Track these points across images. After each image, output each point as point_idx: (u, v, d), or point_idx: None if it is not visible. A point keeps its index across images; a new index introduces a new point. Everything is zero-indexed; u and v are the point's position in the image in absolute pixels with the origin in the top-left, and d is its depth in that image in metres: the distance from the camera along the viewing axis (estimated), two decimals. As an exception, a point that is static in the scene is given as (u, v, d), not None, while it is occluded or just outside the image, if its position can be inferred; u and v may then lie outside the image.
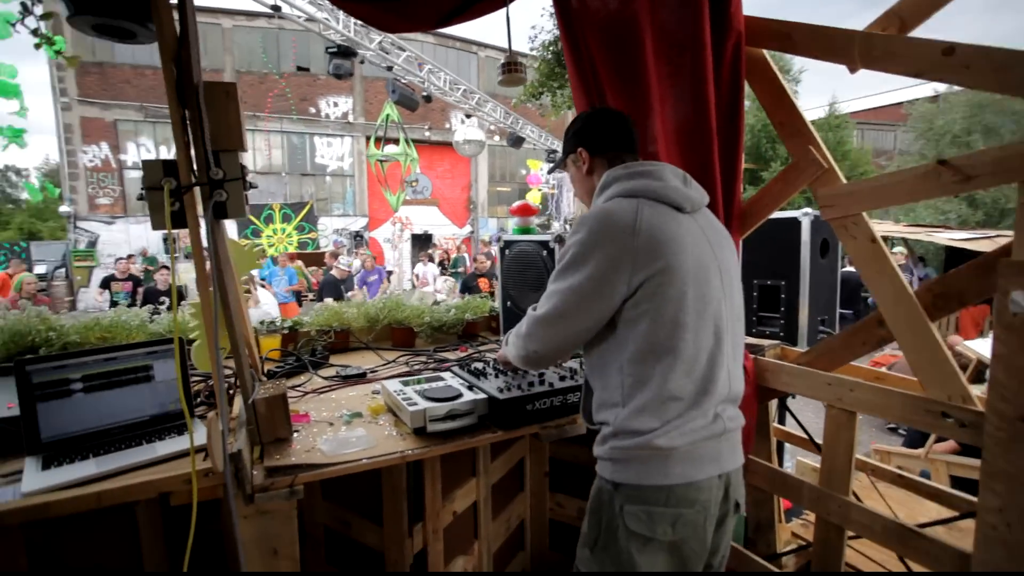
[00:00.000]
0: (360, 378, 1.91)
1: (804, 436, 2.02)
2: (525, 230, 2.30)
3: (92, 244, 15.03)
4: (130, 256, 11.59)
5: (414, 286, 11.45)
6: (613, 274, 1.12)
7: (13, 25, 1.33)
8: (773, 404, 2.08)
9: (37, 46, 1.39)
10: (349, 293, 7.63)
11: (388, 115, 9.21)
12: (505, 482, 2.37)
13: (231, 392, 1.55)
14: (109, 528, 1.43)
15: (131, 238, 15.16)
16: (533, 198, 12.16)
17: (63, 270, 15.05)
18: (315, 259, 13.30)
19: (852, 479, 1.61)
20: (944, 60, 1.33)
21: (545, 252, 2.13)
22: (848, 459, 1.58)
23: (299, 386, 1.80)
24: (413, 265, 14.89)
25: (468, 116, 8.91)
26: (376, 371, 2.00)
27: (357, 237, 16.13)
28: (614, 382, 1.18)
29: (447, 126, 18.04)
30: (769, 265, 2.32)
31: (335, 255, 9.42)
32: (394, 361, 2.12)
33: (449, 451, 1.42)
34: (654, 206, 1.16)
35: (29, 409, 1.24)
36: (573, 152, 1.37)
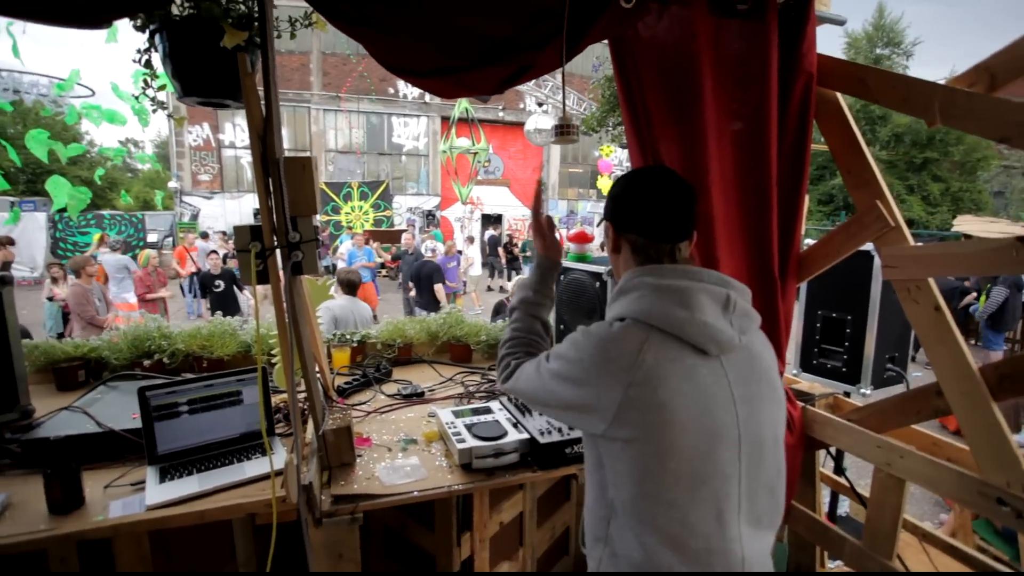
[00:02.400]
0: (418, 397, 2.08)
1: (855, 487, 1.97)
2: (581, 258, 2.35)
3: (194, 217, 16.55)
4: (198, 236, 12.58)
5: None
6: (592, 413, 0.96)
7: (137, 97, 1.56)
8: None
9: (154, 111, 1.62)
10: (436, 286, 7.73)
11: (466, 108, 9.35)
12: (551, 493, 2.49)
13: (305, 413, 1.77)
14: (210, 532, 1.71)
15: (226, 212, 16.54)
16: (604, 185, 11.96)
17: (170, 239, 16.74)
18: (390, 236, 13.90)
19: (898, 542, 1.58)
20: (1033, 127, 1.24)
21: (598, 284, 2.18)
22: (894, 523, 1.55)
23: (364, 403, 2.00)
24: (483, 245, 15.20)
25: (540, 104, 8.87)
26: (433, 390, 2.16)
27: (429, 216, 16.63)
28: (599, 514, 1.04)
29: (521, 106, 17.98)
30: (834, 296, 2.23)
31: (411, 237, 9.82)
32: (451, 379, 2.28)
33: (492, 487, 1.55)
34: (667, 346, 0.94)
35: (148, 427, 1.50)
36: (606, 222, 1.14)
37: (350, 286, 4.21)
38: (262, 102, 1.32)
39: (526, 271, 11.91)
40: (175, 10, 1.30)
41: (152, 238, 16.01)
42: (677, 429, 0.90)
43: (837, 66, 1.71)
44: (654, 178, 1.08)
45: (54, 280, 6.44)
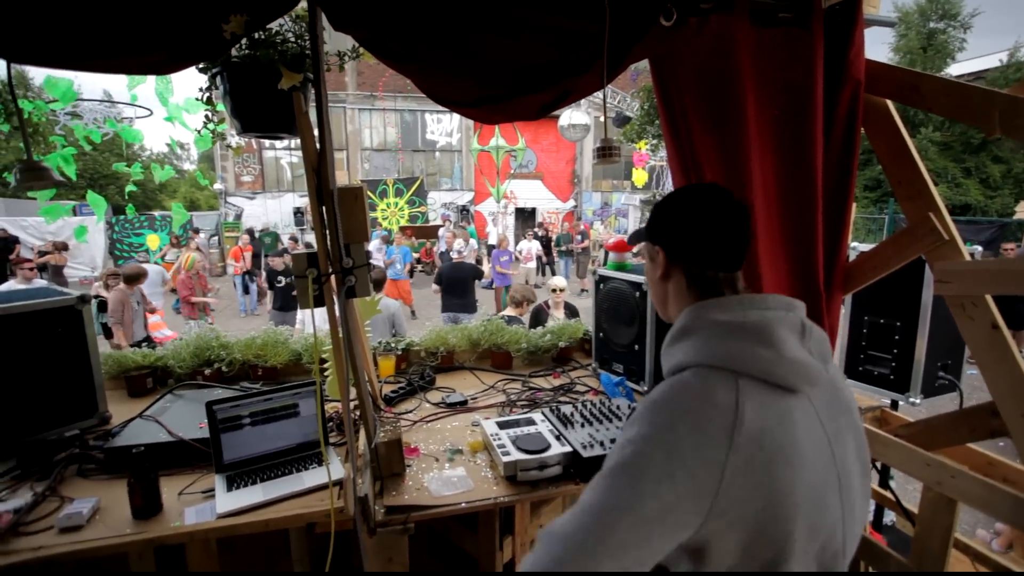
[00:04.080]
0: (462, 405, 2.15)
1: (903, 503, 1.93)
2: (620, 266, 2.36)
3: (238, 217, 17.19)
4: (242, 234, 13.06)
5: (517, 259, 11.80)
6: (679, 510, 0.72)
7: (199, 132, 1.67)
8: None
9: (214, 142, 1.73)
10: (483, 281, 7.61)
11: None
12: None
13: (357, 423, 1.86)
14: (270, 534, 1.82)
15: (267, 211, 17.11)
16: (638, 178, 11.79)
17: (216, 238, 17.45)
18: (427, 232, 14.10)
19: (948, 562, 1.55)
20: (1100, 141, 1.19)
21: (638, 293, 2.20)
22: (944, 545, 1.53)
23: (411, 411, 2.09)
24: (516, 240, 15.26)
25: (573, 98, 8.90)
26: (476, 398, 2.23)
27: (463, 211, 16.77)
28: None
29: (552, 97, 17.83)
30: (882, 302, 2.17)
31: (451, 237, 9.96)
32: (492, 387, 2.34)
33: (535, 499, 1.60)
34: (760, 391, 0.79)
35: (216, 438, 1.62)
36: (649, 243, 1.02)
37: (375, 283, 4.43)
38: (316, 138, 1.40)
39: (561, 265, 11.91)
40: (234, 51, 1.38)
41: (199, 237, 16.75)
42: (799, 482, 0.76)
43: (887, 72, 1.67)
44: (714, 202, 0.94)
45: (107, 287, 6.79)
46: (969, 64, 19.04)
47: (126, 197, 4.83)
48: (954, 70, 17.80)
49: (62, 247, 10.22)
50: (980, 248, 2.09)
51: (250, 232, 13.63)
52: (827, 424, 0.84)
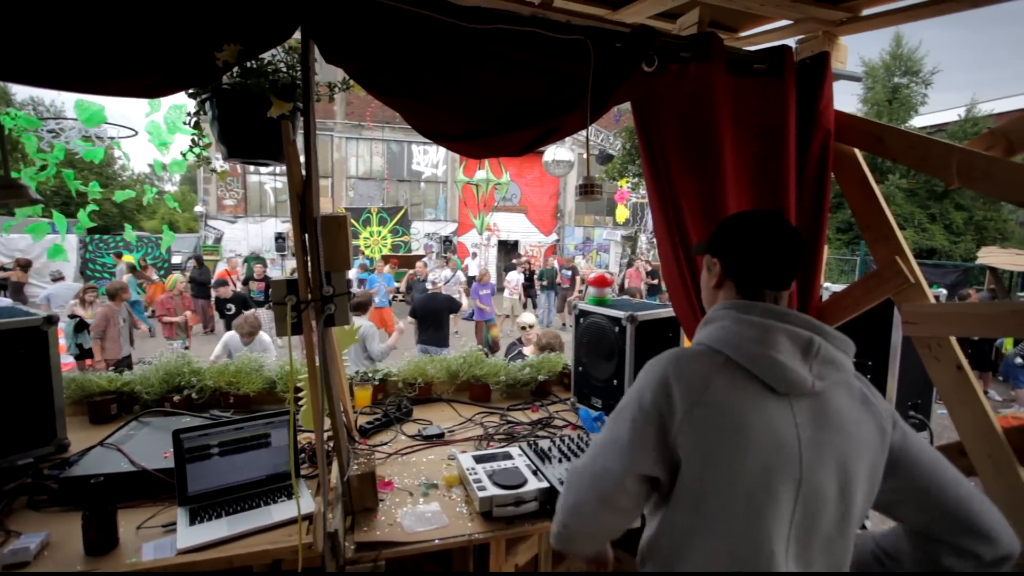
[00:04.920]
0: (439, 438, 2.11)
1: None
2: (600, 301, 2.39)
3: (218, 240, 16.95)
4: (231, 259, 12.91)
5: (502, 290, 11.79)
6: (660, 422, 0.95)
7: (184, 155, 1.66)
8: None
9: (198, 166, 1.72)
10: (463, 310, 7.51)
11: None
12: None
13: (330, 455, 1.80)
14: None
15: (249, 236, 16.92)
16: (620, 214, 12.05)
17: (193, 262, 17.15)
18: (408, 261, 14.08)
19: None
20: (1051, 194, 1.26)
21: (617, 328, 2.21)
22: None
23: (386, 443, 2.04)
24: (500, 272, 15.30)
25: (557, 135, 9.13)
26: (453, 431, 2.19)
27: (446, 242, 16.82)
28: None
29: (537, 134, 18.23)
30: (855, 341, 2.22)
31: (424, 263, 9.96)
32: (470, 419, 2.30)
33: (511, 535, 1.56)
34: (737, 375, 0.95)
35: (181, 468, 1.55)
36: (709, 256, 1.13)
37: (358, 307, 4.42)
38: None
39: (542, 299, 11.94)
40: (225, 78, 1.40)
41: (176, 260, 16.42)
42: (741, 456, 0.90)
43: (855, 123, 1.75)
44: (771, 227, 1.05)
45: (83, 303, 6.62)
46: (932, 117, 20.17)
47: (88, 215, 4.77)
48: (917, 122, 18.84)
49: (24, 264, 9.91)
50: (944, 291, 2.17)
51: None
52: (803, 430, 0.94)
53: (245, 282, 10.00)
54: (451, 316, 6.82)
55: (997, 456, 1.35)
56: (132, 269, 11.32)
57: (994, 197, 1.37)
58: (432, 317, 6.44)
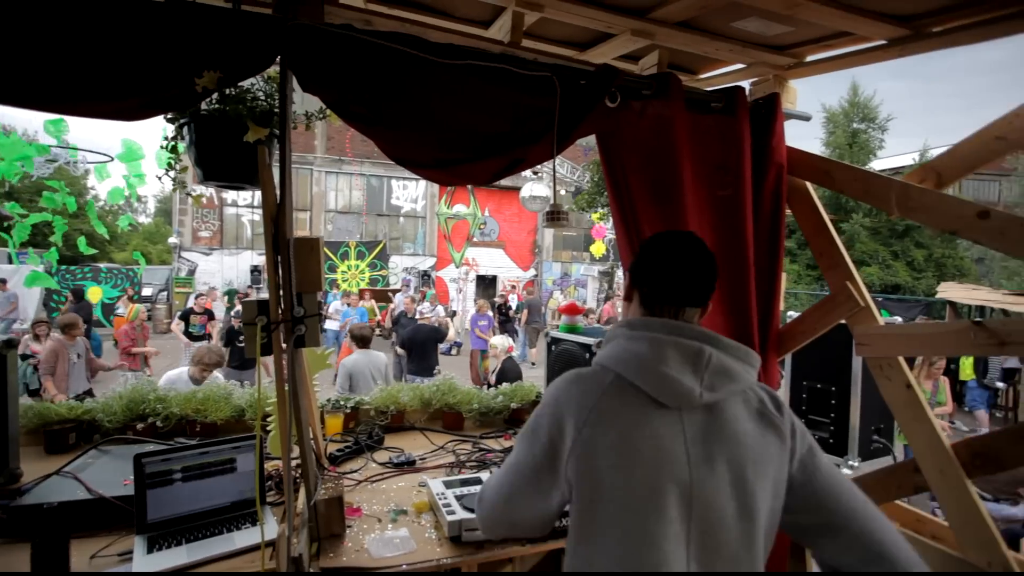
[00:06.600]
0: (410, 466, 2.09)
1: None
2: (571, 328, 2.43)
3: (191, 272, 16.65)
4: (211, 289, 12.68)
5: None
6: (559, 452, 0.96)
7: (160, 178, 1.68)
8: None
9: (175, 189, 1.74)
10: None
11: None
12: (542, 567, 2.43)
13: (297, 482, 1.77)
14: None
15: (224, 268, 16.67)
16: (596, 249, 12.30)
17: (165, 294, 16.74)
18: (387, 296, 14.01)
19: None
20: (979, 222, 1.37)
21: (588, 355, 2.25)
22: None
23: (356, 471, 2.01)
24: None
25: (535, 173, 9.31)
26: (425, 458, 2.17)
27: (425, 276, 16.83)
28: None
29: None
30: (819, 367, 2.29)
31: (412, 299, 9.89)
32: (442, 447, 2.29)
33: (481, 560, 1.54)
34: (625, 392, 0.95)
35: (141, 494, 1.51)
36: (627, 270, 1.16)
37: (363, 340, 4.52)
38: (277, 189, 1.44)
39: (520, 333, 11.96)
40: (203, 104, 1.44)
41: (147, 292, 16.03)
42: (627, 474, 0.89)
43: (805, 159, 1.88)
44: (677, 242, 1.07)
45: (36, 337, 6.13)
46: (889, 161, 21.34)
47: (49, 242, 4.62)
48: (876, 165, 19.90)
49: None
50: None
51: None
52: (692, 445, 0.93)
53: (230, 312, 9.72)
54: (437, 344, 6.94)
55: (947, 471, 1.41)
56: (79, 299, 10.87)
57: (929, 225, 1.48)
58: (418, 347, 6.58)
